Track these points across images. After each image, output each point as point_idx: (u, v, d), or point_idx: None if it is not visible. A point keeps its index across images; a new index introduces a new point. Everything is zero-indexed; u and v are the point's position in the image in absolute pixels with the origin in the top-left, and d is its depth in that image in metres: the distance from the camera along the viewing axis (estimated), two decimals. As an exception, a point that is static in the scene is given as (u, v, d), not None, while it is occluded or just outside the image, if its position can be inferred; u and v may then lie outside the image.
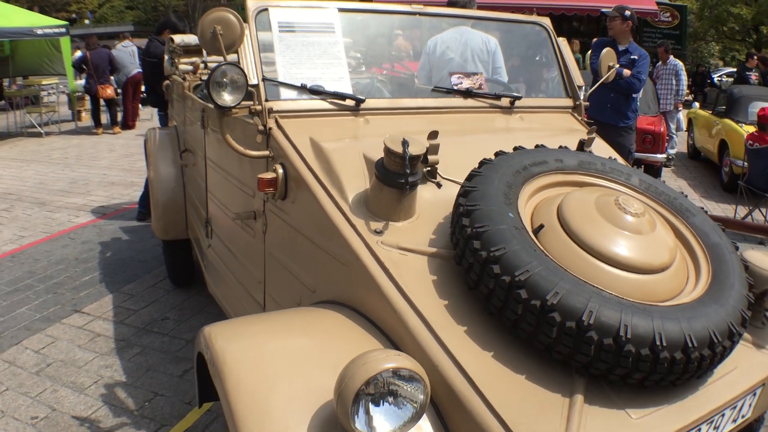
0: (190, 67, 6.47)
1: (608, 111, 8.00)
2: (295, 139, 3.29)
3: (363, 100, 3.58)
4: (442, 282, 2.62)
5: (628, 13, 8.07)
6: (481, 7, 5.98)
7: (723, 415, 2.52)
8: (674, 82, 14.27)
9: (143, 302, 6.58)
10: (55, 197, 10.99)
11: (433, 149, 2.95)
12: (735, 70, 28.09)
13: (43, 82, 19.71)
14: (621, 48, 8.08)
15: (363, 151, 3.14)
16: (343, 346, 2.27)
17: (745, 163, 10.24)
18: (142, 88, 19.84)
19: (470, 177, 2.78)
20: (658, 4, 21.45)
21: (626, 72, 7.83)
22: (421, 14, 4.28)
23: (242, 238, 4.13)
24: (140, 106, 18.57)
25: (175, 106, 7.08)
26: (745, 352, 2.74)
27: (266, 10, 3.62)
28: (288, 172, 3.26)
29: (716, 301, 2.46)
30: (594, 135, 3.61)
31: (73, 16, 42.40)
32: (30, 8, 25.19)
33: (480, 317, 2.47)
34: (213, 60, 6.91)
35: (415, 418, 2.07)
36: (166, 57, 7.51)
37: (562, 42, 4.54)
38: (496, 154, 2.96)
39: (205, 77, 6.23)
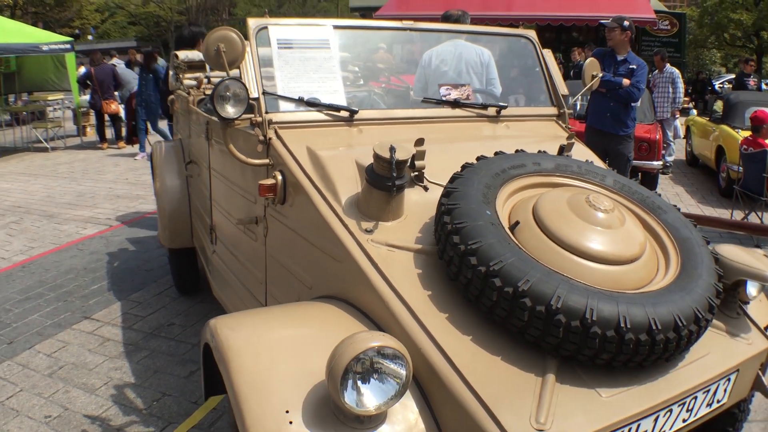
0: (194, 83, 6.68)
1: (608, 120, 8.21)
2: (293, 148, 3.51)
3: (356, 111, 3.80)
4: (426, 275, 2.83)
5: (626, 23, 8.22)
6: (477, 21, 6.16)
7: (696, 398, 2.71)
8: (671, 90, 14.38)
9: (150, 309, 6.77)
10: (62, 210, 11.17)
11: (420, 155, 3.17)
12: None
13: (49, 98, 19.91)
14: (620, 58, 8.25)
15: (356, 158, 3.35)
16: (336, 332, 2.46)
17: (741, 168, 10.42)
18: None
19: (453, 179, 3.00)
20: (657, 12, 21.57)
21: (625, 81, 8.01)
22: (411, 30, 4.49)
23: (245, 242, 4.35)
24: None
25: (180, 120, 7.31)
26: (719, 340, 2.94)
27: (266, 28, 3.84)
28: (287, 179, 3.48)
29: (682, 289, 2.66)
30: (573, 141, 3.85)
31: (76, 31, 42.63)
32: (34, 24, 25.43)
33: (460, 305, 2.69)
34: (216, 75, 7.11)
35: (399, 394, 2.29)
36: (170, 72, 7.73)
37: (547, 53, 4.73)
38: (478, 159, 3.19)
39: (208, 92, 6.47)
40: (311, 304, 3.12)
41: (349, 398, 2.23)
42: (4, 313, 6.73)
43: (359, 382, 2.27)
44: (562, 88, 4.68)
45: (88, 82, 17.28)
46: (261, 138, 3.64)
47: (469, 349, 2.53)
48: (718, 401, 2.88)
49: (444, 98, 4.25)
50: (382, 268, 2.83)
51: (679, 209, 3.33)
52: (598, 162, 3.95)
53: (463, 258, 2.60)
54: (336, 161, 3.38)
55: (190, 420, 4.72)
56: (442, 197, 2.92)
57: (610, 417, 2.40)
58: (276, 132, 3.63)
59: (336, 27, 4.08)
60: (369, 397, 2.27)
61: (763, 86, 18.07)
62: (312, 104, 3.76)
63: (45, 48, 17.27)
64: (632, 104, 8.29)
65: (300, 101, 3.75)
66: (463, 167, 3.10)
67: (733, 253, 3.16)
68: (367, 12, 25.43)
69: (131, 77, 17.87)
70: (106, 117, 17.89)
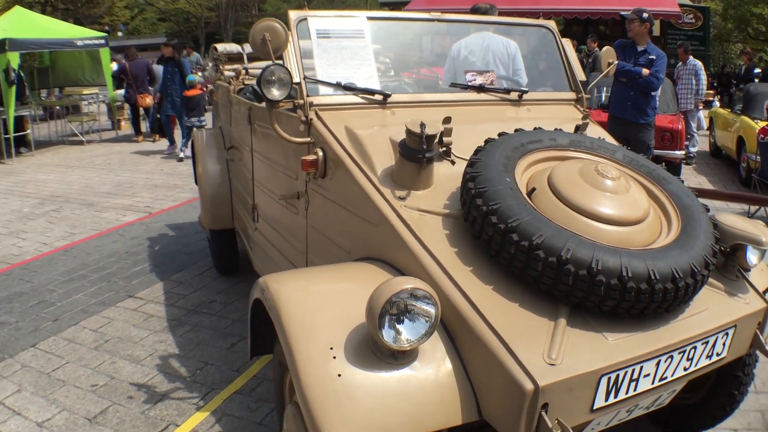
0: (232, 74, 7.03)
1: (629, 109, 8.52)
2: (333, 128, 3.86)
3: (389, 95, 4.12)
4: (453, 235, 3.19)
5: (645, 15, 8.50)
6: (505, 14, 6.40)
7: (695, 348, 3.01)
8: (694, 81, 14.53)
9: (191, 288, 7.11)
10: (101, 199, 11.54)
11: (447, 132, 3.51)
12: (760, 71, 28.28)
13: (84, 92, 20.24)
14: (640, 48, 8.53)
15: (390, 136, 3.70)
16: (372, 284, 2.78)
17: (758, 157, 10.62)
18: None
19: (477, 151, 3.36)
20: (681, 6, 21.59)
21: (645, 71, 8.29)
22: (440, 21, 4.81)
23: (286, 216, 4.72)
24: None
25: (219, 108, 7.68)
26: (718, 298, 3.25)
27: (305, 19, 4.19)
28: (327, 155, 3.85)
29: (681, 247, 2.98)
30: (588, 121, 4.27)
31: (106, 29, 42.99)
32: (64, 20, 25.71)
33: (482, 261, 3.04)
34: (253, 66, 7.49)
35: (429, 332, 2.65)
36: (209, 64, 8.11)
37: (566, 42, 5.04)
38: (499, 134, 3.53)
39: (247, 82, 6.84)
40: (349, 264, 3.52)
41: (386, 335, 2.58)
42: (49, 294, 7.07)
43: (395, 322, 2.62)
44: (580, 74, 4.98)
45: (123, 77, 17.57)
46: (303, 119, 4.00)
47: (490, 297, 2.88)
48: (718, 354, 3.16)
49: (470, 83, 4.58)
50: (414, 229, 3.19)
51: (682, 181, 3.65)
52: (611, 140, 4.27)
53: (485, 218, 2.94)
54: (372, 138, 3.73)
55: (232, 386, 5.04)
56: (467, 167, 3.27)
57: (615, 357, 2.72)
58: (316, 113, 3.98)
59: (369, 18, 4.42)
60: (403, 334, 2.62)
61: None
62: (349, 88, 4.10)
63: (80, 43, 17.60)
64: (652, 93, 8.57)
65: (338, 86, 4.09)
66: (486, 141, 3.44)
67: (732, 220, 3.47)
68: (396, 6, 25.62)
69: (189, 70, 18.22)
70: (141, 110, 18.25)
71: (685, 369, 3.02)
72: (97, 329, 6.13)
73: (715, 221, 3.40)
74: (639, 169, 3.62)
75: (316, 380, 2.59)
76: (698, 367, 3.08)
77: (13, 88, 14.97)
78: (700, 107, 15.20)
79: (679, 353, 2.94)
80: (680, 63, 15.07)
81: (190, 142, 13.73)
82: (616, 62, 5.12)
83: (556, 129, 3.79)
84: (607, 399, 2.76)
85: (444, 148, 3.59)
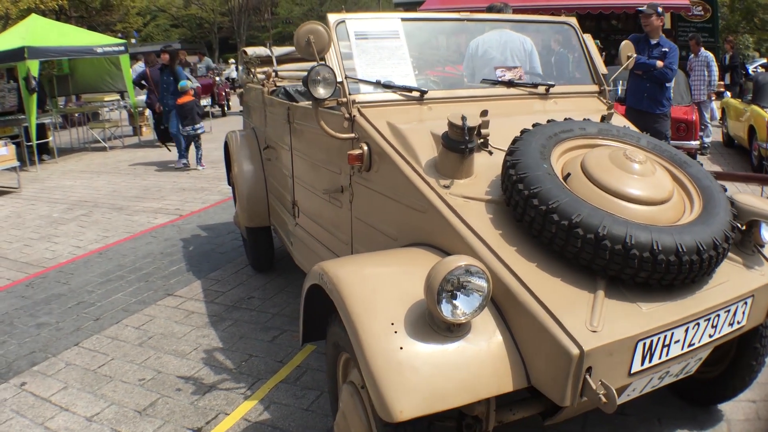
0: (263, 76, 7.26)
1: (645, 100, 8.91)
2: (376, 123, 4.11)
3: (426, 92, 4.38)
4: (496, 219, 3.44)
5: (660, 9, 8.94)
6: (518, 11, 6.61)
7: (719, 316, 3.26)
8: (706, 73, 14.71)
9: (229, 285, 7.33)
10: (130, 203, 11.74)
11: (485, 125, 3.75)
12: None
13: (106, 99, 20.33)
14: (653, 42, 8.93)
15: (430, 130, 3.94)
16: (424, 265, 3.04)
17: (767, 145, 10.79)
18: (202, 102, 20.19)
19: (514, 141, 3.60)
20: (690, -2, 21.78)
21: (659, 63, 8.64)
22: (468, 20, 5.09)
23: (329, 210, 4.96)
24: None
25: (251, 110, 7.92)
26: (736, 270, 3.51)
27: (344, 22, 4.44)
28: (372, 149, 4.08)
29: (703, 223, 3.25)
30: (613, 111, 4.61)
31: (119, 35, 43.20)
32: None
33: (525, 241, 3.29)
34: (283, 69, 7.73)
35: (482, 305, 2.90)
36: (239, 68, 8.35)
37: (588, 38, 5.30)
38: (533, 125, 3.77)
39: (279, 83, 7.09)
40: (398, 249, 3.77)
41: (444, 309, 2.82)
42: (87, 294, 7.27)
43: (451, 297, 2.86)
44: (602, 68, 5.23)
45: (143, 83, 17.59)
46: (347, 116, 4.24)
47: (534, 273, 3.13)
48: (738, 322, 3.42)
49: (499, 79, 4.81)
50: (461, 214, 3.43)
51: (701, 164, 3.91)
52: (634, 129, 4.50)
53: (527, 201, 3.20)
54: (414, 132, 3.97)
55: (277, 376, 5.23)
56: (507, 155, 3.51)
57: (649, 324, 2.98)
58: (359, 110, 4.22)
59: (404, 19, 4.66)
60: (459, 308, 2.86)
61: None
62: (388, 86, 4.34)
63: (99, 50, 17.82)
64: (666, 84, 8.90)
65: (378, 84, 4.33)
66: (522, 132, 3.68)
67: (747, 199, 3.74)
68: (410, 7, 25.74)
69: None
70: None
71: (710, 336, 3.27)
72: (140, 327, 6.32)
73: (732, 200, 3.64)
74: (662, 154, 3.87)
75: (380, 353, 2.82)
76: (722, 334, 3.33)
77: (34, 96, 15.16)
78: (713, 98, 15.36)
79: (705, 321, 3.19)
80: (692, 55, 15.22)
81: (189, 149, 13.93)
82: (635, 56, 5.35)
83: (584, 119, 4.04)
84: (642, 363, 3.01)
85: (482, 140, 3.83)
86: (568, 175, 3.49)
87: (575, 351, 2.76)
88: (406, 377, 2.76)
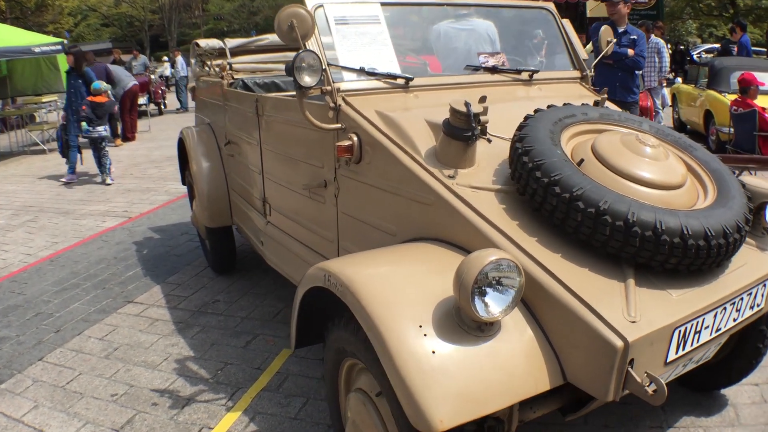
0: (217, 69, 6.98)
1: (618, 89, 8.88)
2: (365, 112, 3.88)
3: (412, 78, 4.16)
4: (510, 209, 3.27)
5: None
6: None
7: (742, 300, 3.19)
8: (657, 59, 14.73)
9: (191, 289, 7.04)
10: (76, 206, 11.36)
11: (484, 111, 3.53)
12: (717, 45, 28.75)
13: (44, 100, 19.93)
14: (620, 30, 8.98)
15: (425, 118, 3.74)
16: (439, 261, 2.94)
17: (731, 129, 10.83)
18: (140, 101, 19.99)
19: (520, 128, 3.44)
20: (634, -17, 21.96)
21: (630, 51, 8.71)
22: (448, 5, 4.91)
23: (310, 206, 4.70)
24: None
25: (208, 104, 7.54)
26: (751, 253, 3.44)
27: (322, 6, 4.21)
28: (362, 139, 3.85)
29: (723, 206, 3.18)
30: (606, 96, 4.53)
31: (52, 36, 42.33)
32: (12, 27, 25.33)
33: (545, 231, 3.14)
34: (237, 62, 7.44)
35: (515, 301, 2.73)
36: (193, 61, 8.02)
37: (566, 23, 5.19)
38: (536, 111, 3.62)
39: (237, 76, 6.82)
40: (405, 245, 3.54)
41: (480, 309, 2.63)
42: (44, 305, 6.92)
43: (484, 294, 2.68)
44: (582, 53, 5.13)
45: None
46: (332, 105, 4.00)
47: (562, 263, 2.98)
48: (758, 305, 3.38)
49: (483, 65, 4.64)
50: (473, 204, 3.24)
51: (707, 147, 3.79)
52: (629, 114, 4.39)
53: (547, 188, 3.04)
54: (409, 120, 3.76)
55: (257, 384, 4.99)
56: (516, 142, 3.34)
57: (682, 311, 2.89)
58: (344, 99, 4.00)
59: (383, 4, 4.44)
60: (492, 305, 2.68)
61: (734, 51, 18.38)
62: (372, 73, 4.12)
63: (37, 50, 17.36)
64: (636, 72, 8.98)
65: (361, 71, 4.11)
66: (526, 118, 3.52)
67: (755, 181, 3.72)
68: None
69: (123, 75, 18.05)
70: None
71: (734, 320, 3.22)
72: (103, 337, 6.02)
73: (743, 182, 3.57)
74: (666, 138, 3.79)
75: (411, 358, 2.62)
76: (744, 317, 3.29)
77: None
78: (664, 84, 15.40)
79: (730, 304, 3.13)
80: (642, 41, 15.24)
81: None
82: (614, 40, 5.26)
83: (583, 104, 3.93)
84: (677, 351, 2.92)
85: (480, 127, 3.60)
86: (582, 160, 3.33)
87: (619, 343, 2.63)
88: (441, 383, 2.58)
